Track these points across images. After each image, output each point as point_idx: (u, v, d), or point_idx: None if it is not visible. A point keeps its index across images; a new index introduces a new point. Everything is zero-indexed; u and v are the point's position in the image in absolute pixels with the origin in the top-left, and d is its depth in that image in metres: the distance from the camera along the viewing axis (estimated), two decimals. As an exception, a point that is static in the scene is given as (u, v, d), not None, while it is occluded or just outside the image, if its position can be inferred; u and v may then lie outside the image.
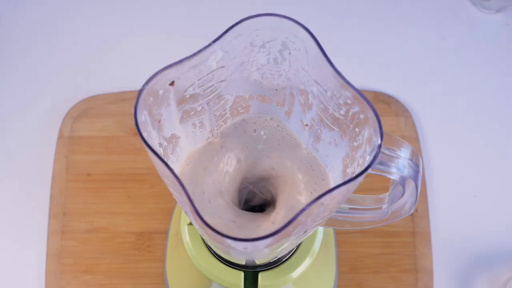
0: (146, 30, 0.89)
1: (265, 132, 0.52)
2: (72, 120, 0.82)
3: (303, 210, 0.38)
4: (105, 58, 0.86)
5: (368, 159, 0.41)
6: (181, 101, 0.45)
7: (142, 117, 0.41)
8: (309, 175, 0.50)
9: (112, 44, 0.87)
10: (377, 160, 0.40)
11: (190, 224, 0.56)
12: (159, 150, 0.45)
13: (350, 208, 0.53)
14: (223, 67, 0.45)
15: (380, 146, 0.40)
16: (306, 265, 0.55)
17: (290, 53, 0.45)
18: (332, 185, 0.49)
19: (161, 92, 0.43)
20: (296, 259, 0.55)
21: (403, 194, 0.48)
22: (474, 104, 0.85)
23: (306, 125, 0.50)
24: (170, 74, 0.42)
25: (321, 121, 0.47)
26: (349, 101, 0.42)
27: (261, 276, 0.54)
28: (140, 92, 0.40)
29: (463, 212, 0.80)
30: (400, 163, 0.43)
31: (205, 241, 0.54)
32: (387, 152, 0.43)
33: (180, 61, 0.42)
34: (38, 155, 0.81)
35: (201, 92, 0.46)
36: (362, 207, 0.53)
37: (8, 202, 0.79)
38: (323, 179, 0.50)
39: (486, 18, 0.90)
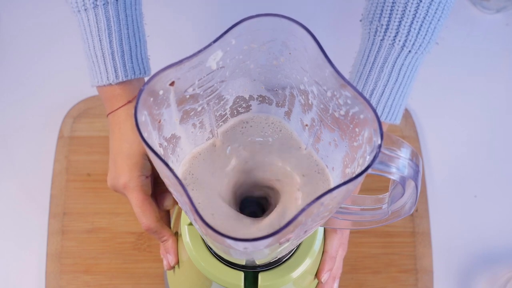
0: (146, 30, 0.88)
1: (265, 134, 0.52)
2: (72, 120, 0.82)
3: (303, 210, 0.38)
4: (105, 58, 0.86)
5: (368, 159, 0.41)
6: (181, 102, 0.45)
7: (142, 117, 0.41)
8: (309, 176, 0.50)
9: (112, 44, 0.87)
10: (377, 160, 0.40)
11: (190, 224, 0.56)
12: (159, 150, 0.45)
13: (350, 208, 0.54)
14: (223, 67, 0.45)
15: (380, 146, 0.40)
16: (306, 265, 0.55)
17: (290, 53, 0.45)
18: (332, 185, 0.49)
19: (161, 92, 0.43)
20: (296, 259, 0.55)
21: (403, 194, 0.48)
22: (474, 104, 0.85)
23: (306, 125, 0.50)
24: (170, 74, 0.42)
25: (321, 121, 0.47)
26: (349, 101, 0.42)
27: (261, 276, 0.54)
28: (140, 92, 0.40)
29: (463, 212, 0.80)
30: (400, 163, 0.43)
31: (205, 241, 0.54)
32: (387, 152, 0.43)
33: (180, 61, 0.42)
34: (38, 155, 0.81)
35: (201, 93, 0.46)
36: (362, 207, 0.53)
37: (8, 202, 0.79)
38: (323, 180, 0.50)
39: (486, 18, 0.90)
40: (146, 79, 0.62)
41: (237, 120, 0.52)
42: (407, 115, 0.83)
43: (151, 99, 0.42)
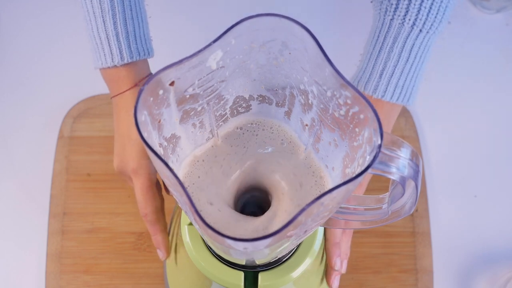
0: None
1: (265, 139, 0.52)
2: (72, 120, 0.82)
3: (303, 210, 0.38)
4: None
5: (368, 159, 0.41)
6: (181, 101, 0.45)
7: (142, 117, 0.41)
8: (307, 179, 0.50)
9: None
10: (377, 160, 0.40)
11: (190, 224, 0.56)
12: (159, 150, 0.45)
13: (350, 208, 0.53)
14: (223, 67, 0.45)
15: (380, 146, 0.40)
16: (306, 265, 0.55)
17: (290, 53, 0.45)
18: (329, 188, 0.49)
19: (161, 92, 0.43)
20: (296, 259, 0.55)
21: (403, 194, 0.48)
22: (474, 104, 0.85)
23: (306, 125, 0.50)
24: (170, 74, 0.42)
25: (321, 121, 0.47)
26: (349, 101, 0.42)
27: (261, 276, 0.54)
28: (140, 92, 0.40)
29: (463, 212, 0.80)
30: (400, 163, 0.43)
31: (205, 241, 0.54)
32: (387, 152, 0.43)
33: (180, 61, 0.42)
34: (38, 155, 0.81)
35: (201, 92, 0.46)
36: (362, 207, 0.53)
37: (8, 202, 0.79)
38: (321, 182, 0.50)
39: (486, 18, 0.90)
40: (151, 72, 0.62)
41: (237, 124, 0.52)
42: (407, 115, 0.83)
43: (151, 98, 0.42)
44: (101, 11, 0.57)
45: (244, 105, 0.51)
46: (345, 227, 0.56)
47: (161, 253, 0.62)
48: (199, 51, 0.42)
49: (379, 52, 0.59)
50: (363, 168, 0.40)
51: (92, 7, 0.57)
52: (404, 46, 0.57)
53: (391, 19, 0.57)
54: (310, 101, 0.47)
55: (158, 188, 0.63)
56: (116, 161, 0.61)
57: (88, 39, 0.60)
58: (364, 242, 0.77)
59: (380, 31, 0.59)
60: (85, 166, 0.80)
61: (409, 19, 0.57)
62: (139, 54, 0.59)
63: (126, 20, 0.58)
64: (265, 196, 0.53)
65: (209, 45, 0.42)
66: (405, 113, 0.83)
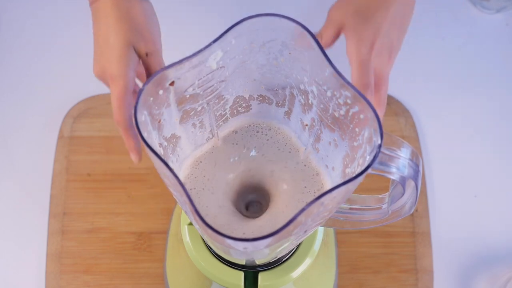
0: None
1: (265, 140, 0.52)
2: (72, 120, 0.82)
3: (303, 210, 0.38)
4: (105, 58, 0.86)
5: (368, 159, 0.41)
6: (181, 101, 0.45)
7: (142, 117, 0.41)
8: (307, 179, 0.50)
9: (112, 44, 0.87)
10: (377, 160, 0.40)
11: (190, 224, 0.56)
12: (159, 150, 0.45)
13: (350, 208, 0.54)
14: (223, 67, 0.45)
15: (380, 146, 0.40)
16: (306, 265, 0.55)
17: (290, 53, 0.45)
18: (329, 188, 0.49)
19: (161, 92, 0.43)
20: (296, 259, 0.55)
21: (403, 194, 0.48)
22: (474, 104, 0.85)
23: (306, 125, 0.50)
24: (170, 74, 0.42)
25: (321, 121, 0.47)
26: (349, 101, 0.42)
27: (261, 276, 0.54)
28: (140, 92, 0.40)
29: (463, 212, 0.80)
30: (400, 163, 0.43)
31: (205, 241, 0.54)
32: (387, 152, 0.43)
33: (180, 61, 0.42)
34: (38, 155, 0.81)
35: (201, 92, 0.46)
36: (362, 207, 0.53)
37: (8, 202, 0.79)
38: (321, 182, 0.50)
39: (486, 18, 0.90)
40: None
41: (237, 125, 0.52)
42: (407, 115, 0.83)
43: (151, 99, 0.42)
44: None
45: (244, 105, 0.51)
46: (345, 227, 0.56)
47: (133, 156, 0.61)
48: (199, 51, 0.42)
49: None
50: (363, 168, 0.40)
51: None
52: None
53: None
54: (310, 101, 0.47)
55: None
56: (95, 67, 0.59)
57: None
58: (364, 242, 0.77)
59: None
60: (85, 166, 0.80)
61: None
62: None
63: None
64: (265, 196, 0.53)
65: (209, 45, 0.42)
66: (405, 113, 0.83)
